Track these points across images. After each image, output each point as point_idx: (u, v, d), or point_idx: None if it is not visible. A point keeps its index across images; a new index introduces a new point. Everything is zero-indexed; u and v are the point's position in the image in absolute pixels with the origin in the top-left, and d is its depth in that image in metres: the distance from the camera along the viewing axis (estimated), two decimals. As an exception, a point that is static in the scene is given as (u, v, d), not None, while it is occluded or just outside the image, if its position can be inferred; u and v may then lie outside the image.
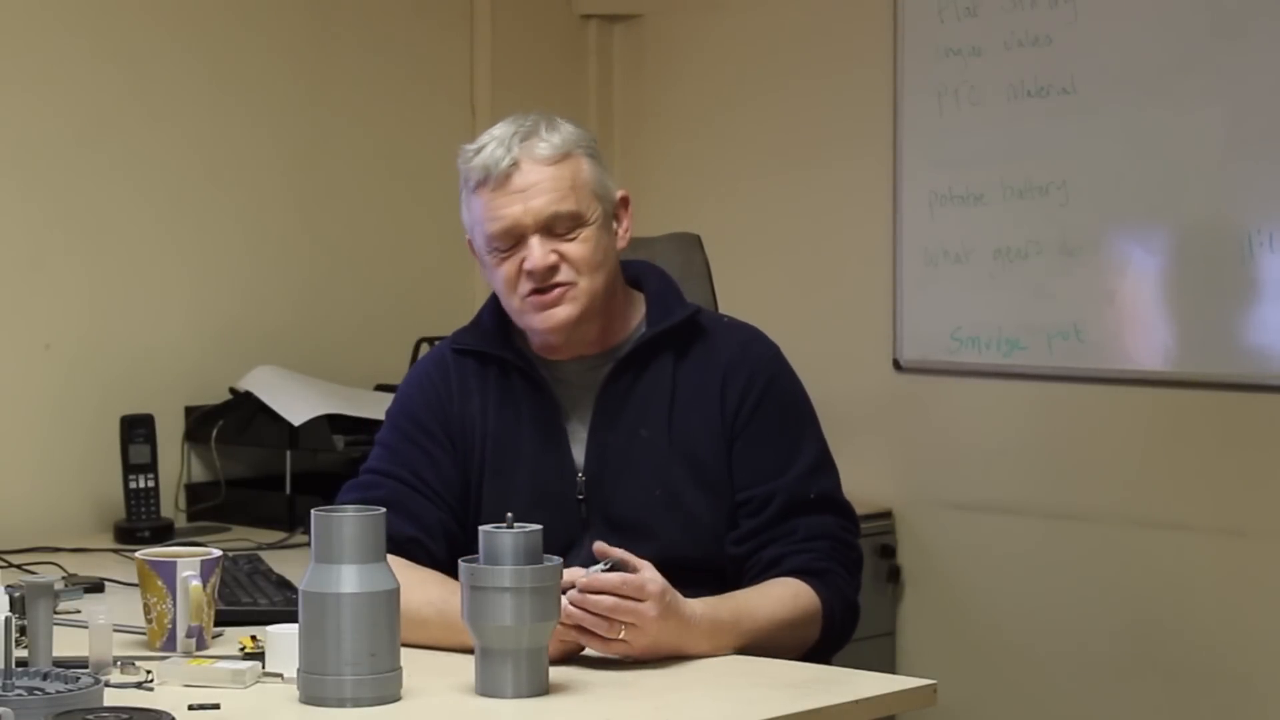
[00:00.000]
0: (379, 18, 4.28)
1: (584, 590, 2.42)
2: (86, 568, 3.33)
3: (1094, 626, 3.97)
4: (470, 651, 2.37)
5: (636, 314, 2.78)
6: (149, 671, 2.45)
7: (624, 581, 2.43)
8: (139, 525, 3.69)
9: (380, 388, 4.03)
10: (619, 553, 2.49)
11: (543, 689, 2.35)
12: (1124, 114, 3.87)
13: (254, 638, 2.57)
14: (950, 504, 4.17)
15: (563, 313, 2.67)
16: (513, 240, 2.66)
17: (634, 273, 2.82)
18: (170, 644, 2.60)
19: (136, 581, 2.67)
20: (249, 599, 2.87)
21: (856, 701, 2.37)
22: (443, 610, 2.51)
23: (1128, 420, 3.93)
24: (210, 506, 3.92)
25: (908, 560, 4.23)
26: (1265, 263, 3.72)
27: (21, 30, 3.74)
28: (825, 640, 2.67)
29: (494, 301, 2.77)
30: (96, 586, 3.13)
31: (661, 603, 2.45)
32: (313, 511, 2.32)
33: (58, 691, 2.18)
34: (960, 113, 4.09)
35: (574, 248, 2.66)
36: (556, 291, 2.66)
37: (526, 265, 2.64)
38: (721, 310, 3.16)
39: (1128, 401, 3.92)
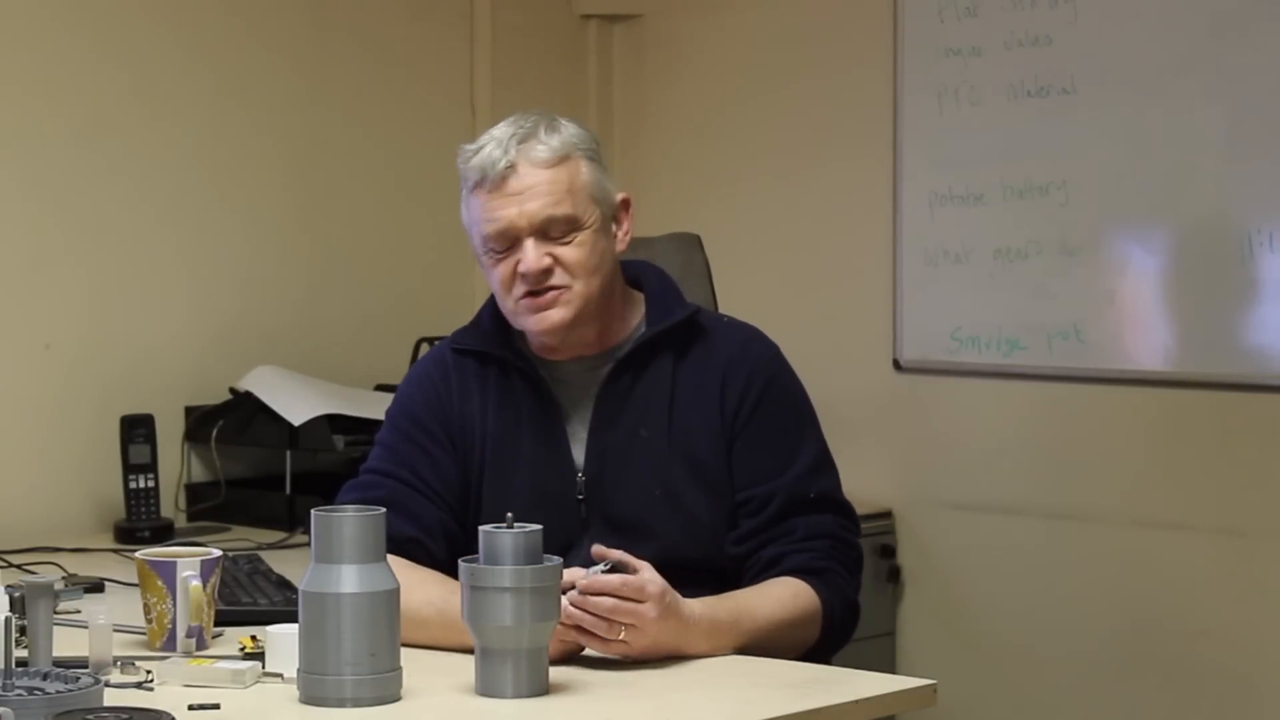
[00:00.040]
0: (378, 18, 4.28)
1: (584, 592, 2.42)
2: (86, 568, 3.33)
3: (1094, 626, 3.97)
4: (470, 651, 2.37)
5: (636, 314, 2.78)
6: (149, 671, 2.45)
7: (624, 583, 2.43)
8: (139, 525, 3.69)
9: (380, 388, 4.02)
10: (617, 554, 2.49)
11: (543, 689, 2.35)
12: (1124, 114, 3.87)
13: (254, 638, 2.57)
14: (950, 504, 4.17)
15: (556, 315, 2.67)
16: (508, 242, 2.66)
17: (634, 273, 2.82)
18: (170, 644, 2.60)
19: (136, 581, 2.67)
20: (249, 599, 2.87)
21: (856, 701, 2.37)
22: (443, 610, 2.51)
23: (1128, 420, 3.93)
24: (210, 506, 3.92)
25: (908, 560, 4.23)
26: (1265, 263, 3.72)
27: (21, 30, 3.74)
28: (825, 640, 2.67)
29: (494, 301, 2.77)
30: (96, 586, 3.13)
31: (661, 604, 2.45)
32: (313, 511, 2.32)
33: (58, 691, 2.18)
34: (960, 113, 4.09)
35: (569, 251, 2.66)
36: (550, 294, 2.66)
37: (520, 268, 2.65)
38: (721, 310, 3.16)
39: (1128, 401, 3.92)
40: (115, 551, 3.53)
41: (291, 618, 2.38)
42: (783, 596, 2.62)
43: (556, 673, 2.39)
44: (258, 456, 3.96)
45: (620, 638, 2.44)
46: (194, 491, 3.96)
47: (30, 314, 3.77)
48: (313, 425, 3.81)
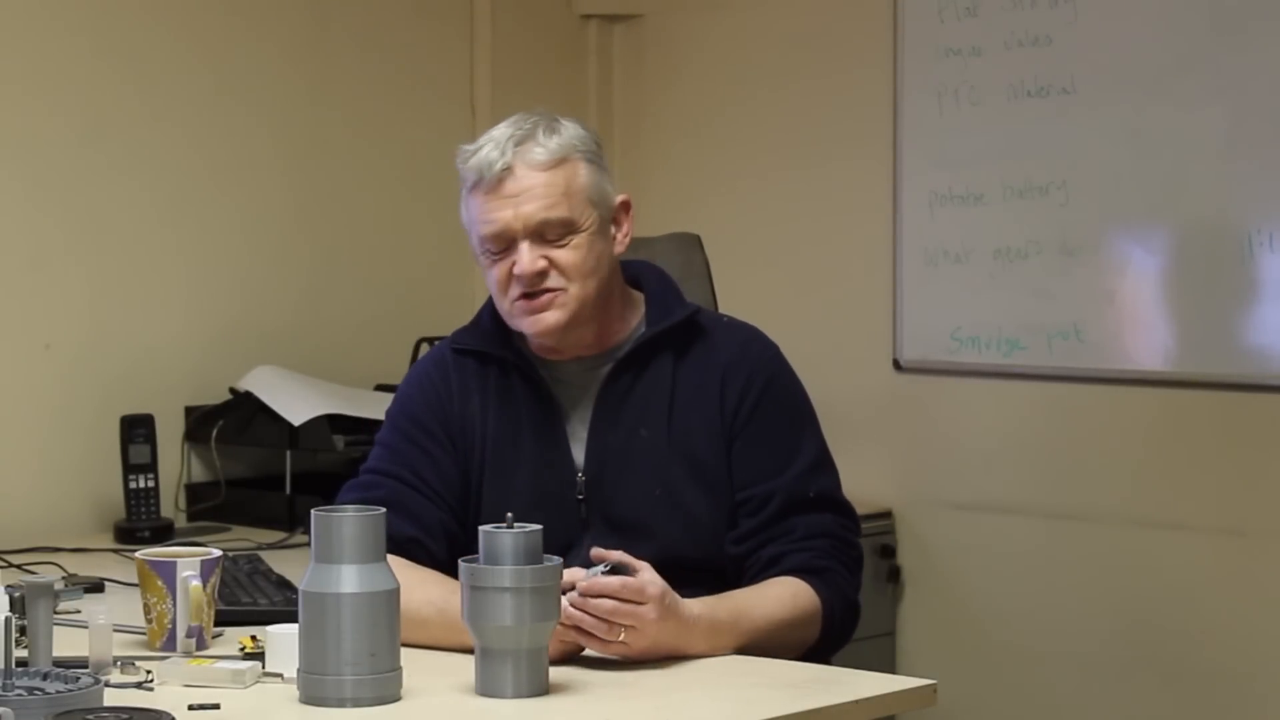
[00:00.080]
0: (379, 18, 4.28)
1: (584, 593, 2.42)
2: (86, 568, 3.33)
3: (1094, 626, 3.97)
4: (470, 651, 2.37)
5: (636, 314, 2.78)
6: (149, 671, 2.45)
7: (624, 585, 2.43)
8: (139, 525, 3.69)
9: (380, 388, 4.03)
10: (617, 555, 2.49)
11: (543, 689, 2.35)
12: (1124, 114, 3.87)
13: (254, 638, 2.57)
14: (950, 504, 4.17)
15: (551, 318, 2.67)
16: (504, 244, 2.66)
17: (633, 273, 2.82)
18: (170, 644, 2.60)
19: (136, 581, 2.67)
20: (249, 599, 2.87)
21: (856, 701, 2.37)
22: (443, 610, 2.51)
23: (1128, 420, 3.93)
24: (210, 506, 3.92)
25: (908, 560, 4.23)
26: (1265, 263, 3.72)
27: (22, 30, 3.74)
28: (825, 639, 2.67)
29: (494, 301, 2.77)
30: (96, 586, 3.13)
31: (661, 606, 2.45)
32: (313, 511, 2.32)
33: (58, 691, 2.18)
34: (960, 113, 4.09)
35: (564, 254, 2.66)
36: (545, 297, 2.66)
37: (515, 270, 2.65)
38: (721, 310, 3.16)
39: (1128, 401, 3.92)
40: (115, 551, 3.53)
41: (291, 618, 2.38)
42: (782, 596, 2.62)
43: (556, 673, 2.39)
44: (258, 456, 3.96)
45: (620, 639, 2.44)
46: (194, 491, 3.96)
47: (30, 314, 3.77)
48: (313, 425, 3.81)
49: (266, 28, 4.09)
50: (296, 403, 3.85)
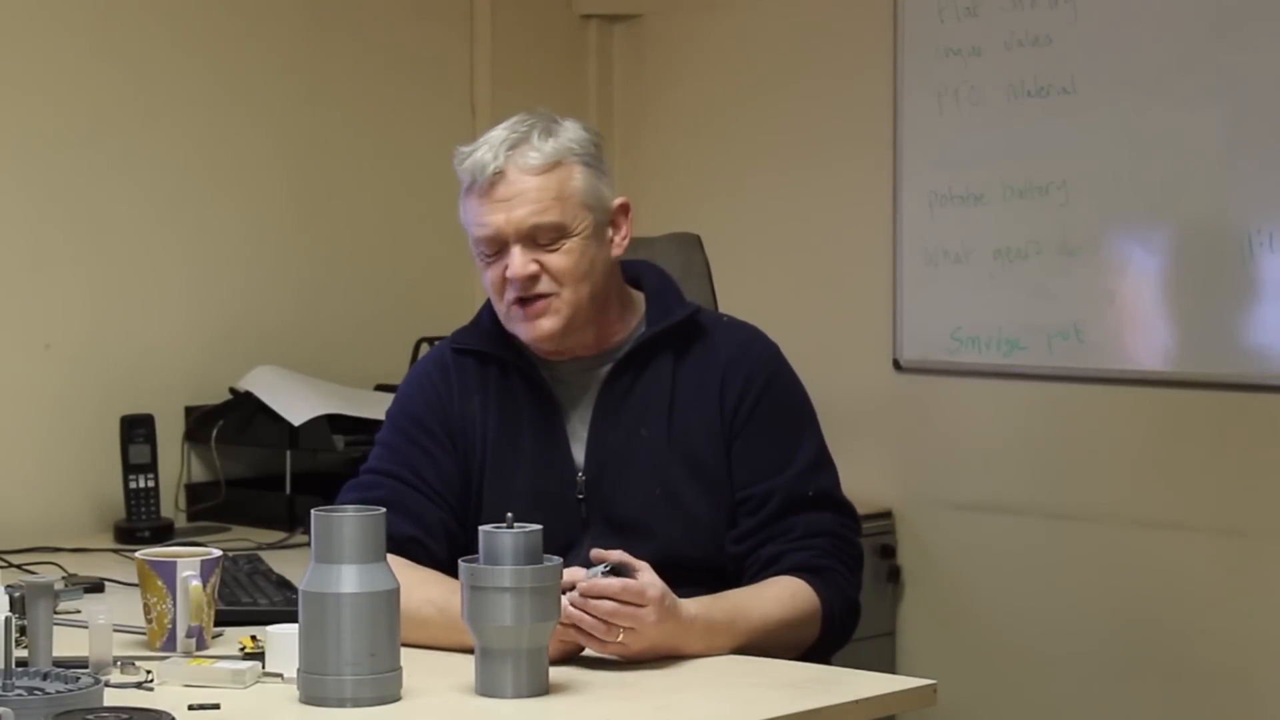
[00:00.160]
0: (378, 18, 4.28)
1: (584, 594, 2.42)
2: (86, 568, 3.33)
3: (1094, 626, 3.97)
4: (470, 651, 2.37)
5: (636, 314, 2.78)
6: (149, 671, 2.45)
7: (624, 588, 2.43)
8: (139, 525, 3.69)
9: (380, 388, 4.02)
10: (617, 554, 2.49)
11: (543, 689, 2.35)
12: (1124, 114, 3.87)
13: (254, 638, 2.57)
14: (950, 504, 4.17)
15: (546, 325, 2.67)
16: (497, 247, 2.66)
17: (633, 272, 2.82)
18: (170, 644, 2.60)
19: (136, 581, 2.67)
20: (249, 599, 2.87)
21: (856, 701, 2.37)
22: (443, 610, 2.51)
23: (1128, 420, 3.93)
24: (210, 506, 3.92)
25: (908, 560, 4.23)
26: (1265, 263, 3.72)
27: (22, 30, 3.74)
28: (825, 638, 2.67)
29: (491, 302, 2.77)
30: (96, 586, 3.13)
31: (661, 608, 2.45)
32: (313, 511, 2.33)
33: (58, 691, 2.18)
34: (960, 113, 4.09)
35: (556, 259, 2.66)
36: (539, 304, 2.66)
37: (507, 274, 2.65)
38: (721, 310, 3.16)
39: (1128, 401, 3.92)
40: (115, 551, 3.53)
41: (291, 618, 2.38)
42: (781, 596, 2.62)
43: (556, 673, 2.39)
44: (258, 456, 3.96)
45: (618, 639, 2.44)
46: (194, 491, 3.96)
47: (30, 314, 3.77)
48: (313, 425, 3.81)
49: (266, 28, 4.09)
50: (296, 403, 3.85)
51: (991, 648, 4.10)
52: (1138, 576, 3.92)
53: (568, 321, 2.67)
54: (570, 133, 2.68)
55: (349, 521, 2.30)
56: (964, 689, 4.01)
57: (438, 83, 4.40)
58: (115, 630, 2.53)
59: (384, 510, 2.35)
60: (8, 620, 2.31)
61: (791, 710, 2.31)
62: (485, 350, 2.77)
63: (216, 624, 2.68)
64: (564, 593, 2.40)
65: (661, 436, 2.71)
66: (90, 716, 2.11)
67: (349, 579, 2.29)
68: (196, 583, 2.59)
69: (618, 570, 2.47)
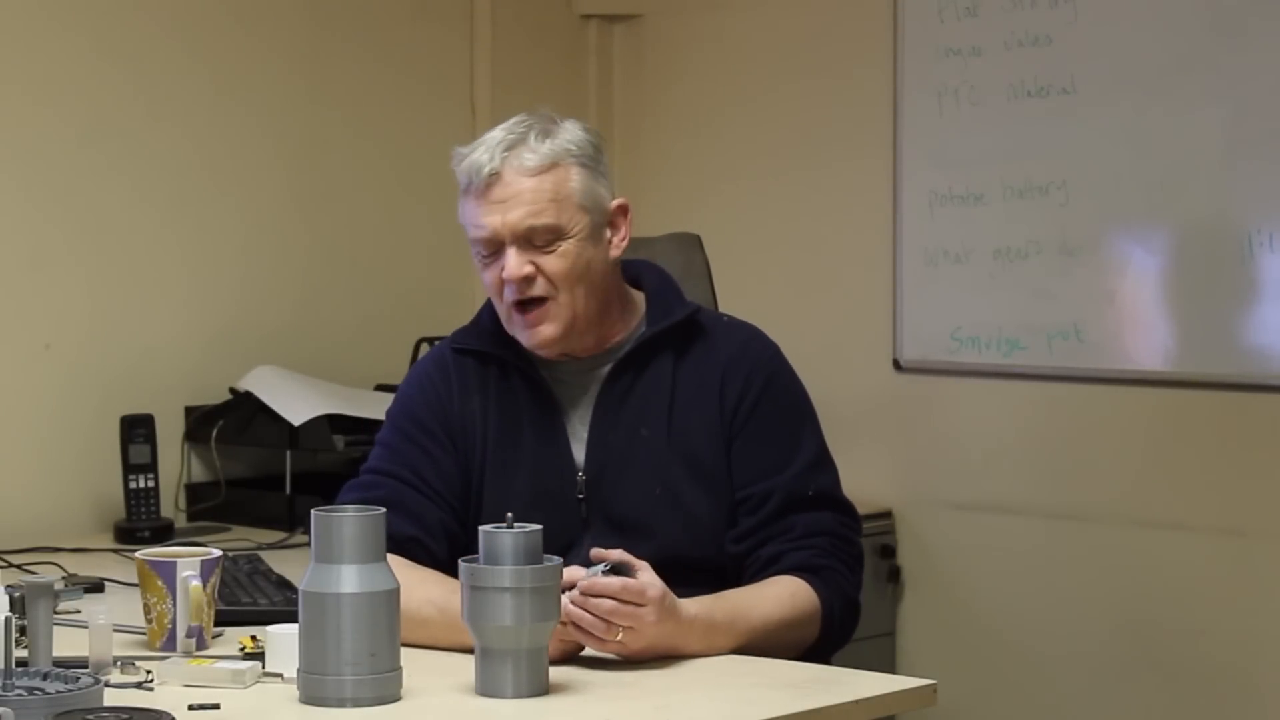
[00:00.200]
0: (378, 18, 4.28)
1: (585, 592, 2.42)
2: (86, 568, 3.33)
3: (1094, 626, 3.97)
4: (470, 651, 2.37)
5: (636, 313, 2.78)
6: (149, 671, 2.45)
7: (624, 587, 2.43)
8: (139, 525, 3.69)
9: (380, 388, 4.03)
10: (617, 554, 2.49)
11: (543, 689, 2.35)
12: (1124, 114, 3.87)
13: (254, 638, 2.57)
14: (950, 504, 4.17)
15: (546, 331, 2.68)
16: (494, 248, 2.67)
17: (634, 272, 2.82)
18: (170, 644, 2.60)
19: (136, 581, 2.67)
20: (249, 599, 2.87)
21: (856, 701, 2.37)
22: (444, 609, 2.51)
23: (1128, 420, 3.93)
24: (210, 506, 3.92)
25: (908, 560, 4.23)
26: (1265, 263, 3.72)
27: (22, 30, 3.74)
28: (825, 638, 2.67)
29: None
30: (96, 586, 3.13)
31: (661, 608, 2.45)
32: (313, 511, 2.33)
33: (58, 691, 2.18)
34: (960, 113, 4.09)
35: (551, 261, 2.66)
36: (538, 310, 2.66)
37: (503, 275, 2.65)
38: (721, 310, 3.16)
39: (1128, 401, 3.92)
40: (115, 551, 3.53)
41: (291, 618, 2.38)
42: (780, 596, 2.62)
43: (556, 673, 2.39)
44: (258, 456, 3.96)
45: (617, 638, 2.44)
46: (194, 491, 3.96)
47: (30, 314, 3.77)
48: (313, 425, 3.81)
49: (266, 28, 4.09)
50: (296, 403, 3.85)
51: (991, 648, 4.10)
52: (1138, 576, 3.92)
53: (567, 326, 2.68)
54: (568, 134, 2.68)
55: (349, 521, 2.30)
56: (964, 689, 4.01)
57: (438, 83, 4.40)
58: (115, 630, 2.53)
59: (384, 510, 2.35)
60: (8, 620, 2.31)
61: (791, 710, 2.31)
62: (485, 350, 2.77)
63: (216, 624, 2.68)
64: (564, 591, 2.40)
65: (661, 436, 2.71)
66: (90, 716, 2.11)
67: (349, 579, 2.29)
68: (196, 583, 2.59)
69: (618, 569, 2.47)
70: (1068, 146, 3.95)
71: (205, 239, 4.01)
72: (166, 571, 2.61)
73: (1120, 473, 3.94)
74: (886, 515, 4.22)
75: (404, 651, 2.35)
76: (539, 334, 2.68)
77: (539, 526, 2.35)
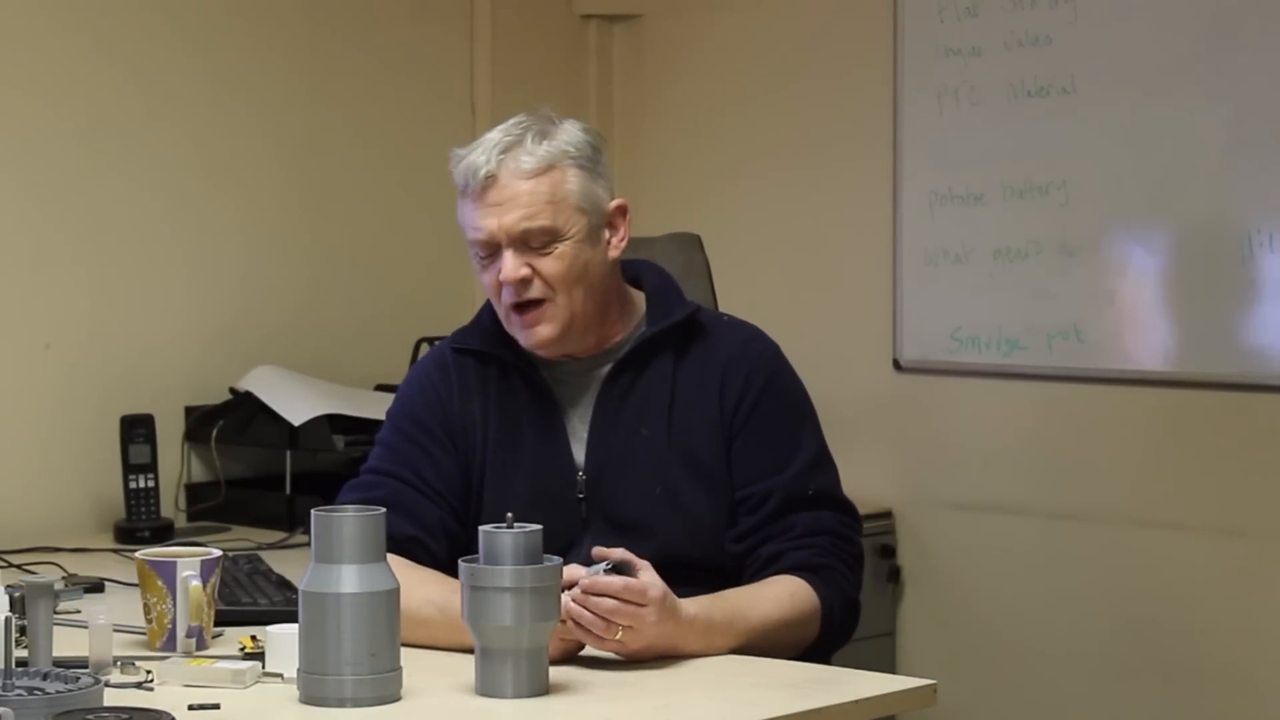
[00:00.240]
0: (378, 18, 4.28)
1: (586, 591, 2.42)
2: (86, 568, 3.33)
3: (1094, 626, 3.97)
4: (470, 651, 2.37)
5: (636, 313, 2.78)
6: (149, 671, 2.45)
7: (626, 587, 2.43)
8: (139, 525, 3.69)
9: (380, 388, 4.03)
10: (619, 553, 2.49)
11: (543, 689, 2.35)
12: (1124, 114, 3.87)
13: (254, 638, 2.57)
14: (950, 504, 4.17)
15: (544, 332, 2.68)
16: (491, 250, 2.67)
17: (634, 272, 2.82)
18: (170, 644, 2.60)
19: (136, 581, 2.67)
20: (249, 599, 2.87)
21: (856, 701, 2.37)
22: (444, 609, 2.51)
23: (1128, 420, 3.93)
24: (210, 506, 3.92)
25: (908, 560, 4.23)
26: (1265, 263, 3.72)
27: (22, 30, 3.74)
28: (825, 637, 2.67)
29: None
30: (96, 586, 3.13)
31: (662, 608, 2.45)
32: (313, 511, 2.33)
33: (58, 691, 2.18)
34: (960, 113, 4.09)
35: (548, 263, 2.66)
36: (535, 312, 2.67)
37: (500, 277, 2.65)
38: (721, 310, 3.16)
39: (1128, 401, 3.92)
40: (115, 551, 3.53)
41: (291, 618, 2.38)
42: (780, 596, 2.62)
43: (556, 673, 2.39)
44: (258, 456, 3.96)
45: (616, 638, 2.44)
46: (194, 491, 3.96)
47: (30, 314, 3.77)
48: (313, 425, 3.81)
49: (266, 28, 4.09)
50: (296, 403, 3.85)
51: (991, 648, 4.10)
52: (1138, 576, 3.92)
53: (565, 326, 2.68)
54: (566, 135, 2.68)
55: (349, 521, 2.30)
56: (964, 689, 4.01)
57: (438, 83, 4.40)
58: (115, 630, 2.53)
59: (384, 510, 2.35)
60: (8, 620, 2.31)
61: (791, 710, 2.31)
62: (485, 350, 2.77)
63: (216, 624, 2.68)
64: (565, 590, 2.40)
65: (662, 436, 2.71)
66: (90, 716, 2.11)
67: (349, 579, 2.29)
68: (196, 583, 2.59)
69: (619, 568, 2.47)
70: (1068, 146, 3.95)
71: (205, 239, 4.01)
72: (166, 571, 2.61)
73: (1120, 473, 3.94)
74: (886, 515, 4.22)
75: (404, 651, 2.35)
76: (536, 334, 2.68)
77: (539, 526, 2.35)
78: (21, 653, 2.44)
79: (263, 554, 3.34)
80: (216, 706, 2.29)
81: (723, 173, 4.47)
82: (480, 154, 2.65)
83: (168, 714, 2.14)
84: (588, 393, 2.74)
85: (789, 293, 4.32)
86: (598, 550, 2.51)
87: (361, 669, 2.29)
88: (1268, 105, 3.70)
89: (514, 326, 2.70)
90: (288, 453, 3.86)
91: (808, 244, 4.35)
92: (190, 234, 3.98)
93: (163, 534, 3.68)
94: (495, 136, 2.67)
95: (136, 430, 3.73)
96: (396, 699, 2.32)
